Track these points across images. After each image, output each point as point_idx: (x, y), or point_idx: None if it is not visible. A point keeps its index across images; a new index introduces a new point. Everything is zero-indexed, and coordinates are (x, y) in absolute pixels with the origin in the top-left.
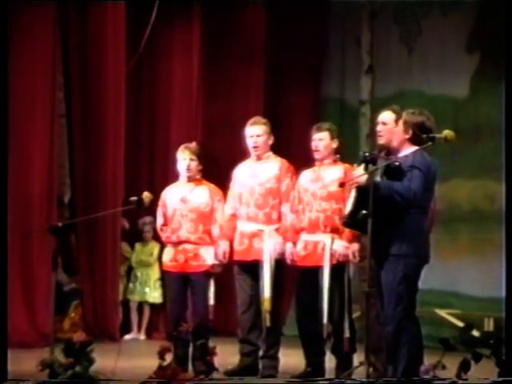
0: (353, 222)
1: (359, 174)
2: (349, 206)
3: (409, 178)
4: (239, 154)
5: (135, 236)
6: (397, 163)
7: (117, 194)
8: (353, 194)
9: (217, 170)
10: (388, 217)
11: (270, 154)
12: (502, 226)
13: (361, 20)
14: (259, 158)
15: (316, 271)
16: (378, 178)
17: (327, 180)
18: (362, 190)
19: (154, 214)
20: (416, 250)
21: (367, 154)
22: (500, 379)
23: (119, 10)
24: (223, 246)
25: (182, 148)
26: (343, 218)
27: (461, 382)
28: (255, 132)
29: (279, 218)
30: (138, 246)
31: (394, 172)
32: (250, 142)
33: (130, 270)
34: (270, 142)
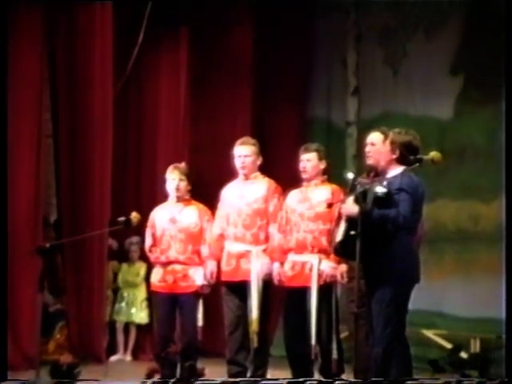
0: (344, 250)
1: (350, 206)
2: (339, 235)
3: (397, 201)
4: (226, 174)
5: (121, 256)
6: (383, 192)
7: (103, 214)
8: (343, 224)
9: (204, 190)
10: (377, 239)
11: (258, 174)
12: (486, 246)
13: (347, 42)
14: (247, 178)
15: (303, 292)
16: (367, 206)
17: (315, 201)
18: (353, 221)
19: (140, 234)
20: (405, 271)
21: (357, 183)
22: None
23: (107, 31)
24: (211, 266)
25: (171, 168)
26: (334, 247)
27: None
28: (243, 152)
29: (267, 239)
30: (124, 266)
31: (383, 200)
32: (238, 162)
33: (116, 290)
34: (258, 162)
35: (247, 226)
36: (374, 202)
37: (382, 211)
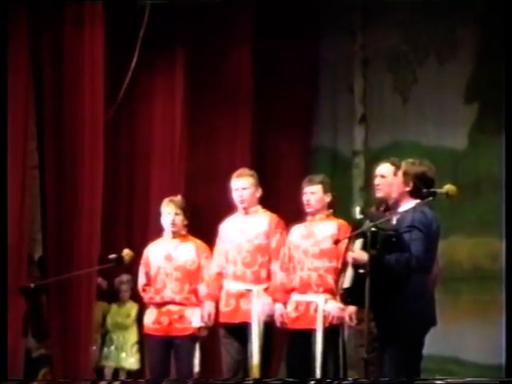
0: (353, 298)
1: (358, 254)
2: (347, 282)
3: (408, 240)
4: (224, 206)
5: (111, 296)
6: (393, 237)
7: (92, 251)
8: (350, 270)
9: (202, 224)
10: (389, 281)
11: (259, 207)
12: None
13: (353, 67)
14: (247, 212)
15: (308, 335)
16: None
17: (320, 236)
18: (361, 267)
19: (132, 273)
20: (420, 313)
21: (364, 221)
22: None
23: (97, 54)
24: (208, 306)
25: (166, 201)
26: (341, 294)
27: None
28: (241, 185)
29: (268, 277)
30: (114, 307)
31: (393, 244)
32: (236, 196)
33: (104, 333)
34: (258, 194)
35: (248, 264)
36: (384, 246)
37: (393, 256)
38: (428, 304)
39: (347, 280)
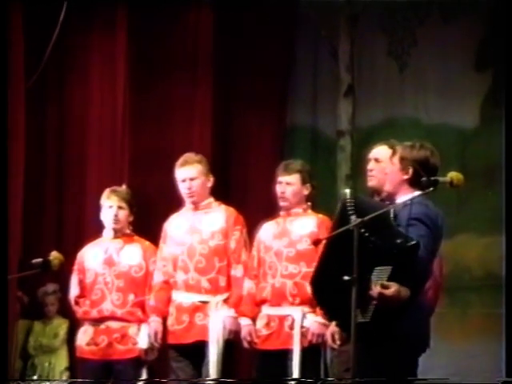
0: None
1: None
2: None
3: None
4: (178, 199)
5: (33, 311)
6: (414, 242)
7: (10, 255)
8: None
9: (150, 220)
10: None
11: (211, 200)
12: None
13: (338, 27)
14: (197, 206)
15: (282, 356)
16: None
17: (295, 235)
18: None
19: (59, 281)
20: (413, 330)
21: (350, 209)
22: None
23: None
24: (154, 324)
25: (107, 192)
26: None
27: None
28: (188, 174)
29: (229, 286)
30: (37, 325)
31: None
32: (182, 188)
33: (26, 357)
34: (209, 184)
35: (202, 270)
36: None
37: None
38: (422, 321)
39: (363, 314)
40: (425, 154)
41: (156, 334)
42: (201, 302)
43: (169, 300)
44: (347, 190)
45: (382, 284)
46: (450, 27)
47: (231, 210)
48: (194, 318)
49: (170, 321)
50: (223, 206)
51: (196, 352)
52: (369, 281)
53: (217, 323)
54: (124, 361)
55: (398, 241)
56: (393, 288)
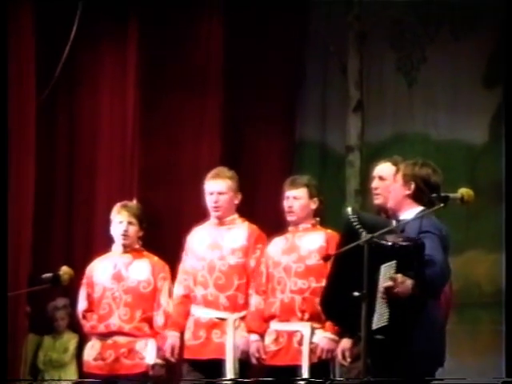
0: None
1: (401, 283)
2: (382, 320)
3: (427, 249)
4: (189, 214)
5: (43, 326)
6: (419, 241)
7: (20, 270)
8: (382, 306)
9: (159, 235)
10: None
11: (236, 217)
12: None
13: (347, 43)
14: (221, 222)
15: (291, 372)
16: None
17: (304, 250)
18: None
19: (69, 296)
20: (427, 347)
21: (359, 227)
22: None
23: (25, 23)
24: (172, 338)
25: (118, 207)
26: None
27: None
28: (216, 188)
29: (247, 303)
30: (46, 339)
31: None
32: (209, 201)
33: (35, 372)
34: (236, 201)
35: (222, 287)
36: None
37: (428, 270)
38: (436, 337)
39: (379, 318)
40: (426, 171)
41: (173, 348)
42: (218, 318)
43: (187, 314)
44: (349, 208)
45: (390, 277)
46: (460, 44)
47: (254, 227)
48: (211, 334)
49: (186, 335)
50: (246, 223)
51: (211, 369)
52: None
53: (234, 341)
54: (131, 376)
55: (402, 241)
56: (399, 279)
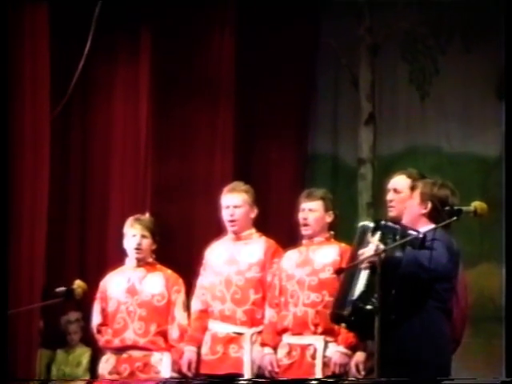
0: (357, 318)
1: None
2: (357, 291)
3: (436, 251)
4: (202, 227)
5: (55, 340)
6: (421, 235)
7: (34, 283)
8: (363, 274)
9: (172, 249)
10: (398, 312)
11: (253, 231)
12: None
13: (359, 55)
14: (238, 237)
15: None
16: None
17: (318, 264)
18: (374, 270)
19: (82, 310)
20: (434, 358)
21: (383, 222)
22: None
23: (40, 36)
24: (189, 353)
25: (131, 221)
26: (338, 313)
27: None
28: (232, 202)
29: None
30: (60, 353)
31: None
32: (225, 215)
33: None
34: (252, 215)
35: (239, 302)
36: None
37: (414, 253)
38: (443, 350)
39: (357, 289)
40: (445, 193)
41: (190, 363)
42: (235, 333)
43: (204, 329)
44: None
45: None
46: (472, 55)
47: (271, 242)
48: (228, 349)
49: (204, 350)
50: (264, 238)
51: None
52: None
53: (251, 356)
54: (149, 382)
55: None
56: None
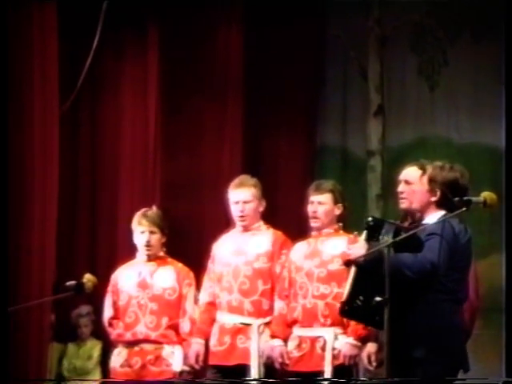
0: (352, 309)
1: (359, 245)
2: (347, 289)
3: (425, 247)
4: (211, 220)
5: (66, 334)
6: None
7: (45, 278)
8: (352, 274)
9: (182, 242)
10: (402, 303)
11: (261, 223)
12: None
13: (367, 47)
14: (246, 229)
15: (314, 378)
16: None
17: (327, 255)
18: (361, 268)
19: (92, 303)
20: (446, 351)
21: (370, 219)
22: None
23: (49, 33)
24: (197, 345)
25: (138, 216)
26: (341, 306)
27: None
28: (242, 197)
29: (272, 309)
30: (71, 347)
31: (409, 243)
32: (234, 210)
33: (60, 380)
34: (261, 208)
35: (246, 292)
36: (394, 244)
37: (398, 254)
38: (455, 342)
39: (347, 286)
40: (454, 175)
41: (198, 356)
42: (243, 323)
43: (212, 321)
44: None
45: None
46: (481, 46)
47: (279, 233)
48: (235, 340)
49: (212, 341)
50: (271, 230)
51: (236, 375)
52: None
53: (259, 347)
54: (158, 383)
55: None
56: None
